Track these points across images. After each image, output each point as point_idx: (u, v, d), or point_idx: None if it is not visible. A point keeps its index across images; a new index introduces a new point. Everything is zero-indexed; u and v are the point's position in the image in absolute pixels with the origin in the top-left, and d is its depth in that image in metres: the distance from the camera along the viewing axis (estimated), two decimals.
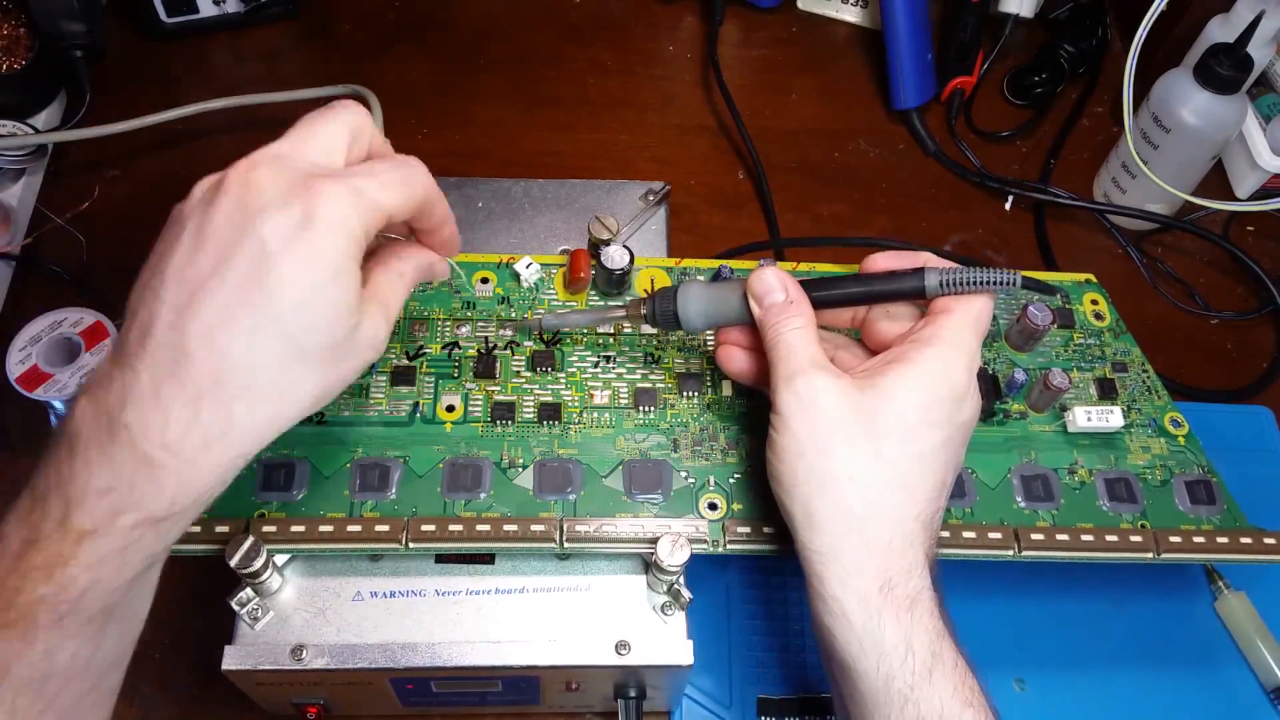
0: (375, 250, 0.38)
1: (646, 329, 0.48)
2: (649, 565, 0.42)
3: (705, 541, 0.42)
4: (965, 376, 0.39)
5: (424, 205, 0.37)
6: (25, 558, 0.31)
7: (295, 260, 0.31)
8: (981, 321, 0.40)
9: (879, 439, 0.38)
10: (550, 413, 0.45)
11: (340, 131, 0.35)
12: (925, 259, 0.42)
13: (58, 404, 0.52)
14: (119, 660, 0.35)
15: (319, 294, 0.32)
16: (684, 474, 0.44)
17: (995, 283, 0.40)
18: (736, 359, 0.44)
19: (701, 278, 0.44)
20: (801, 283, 0.42)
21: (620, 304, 0.46)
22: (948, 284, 0.40)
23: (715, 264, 0.51)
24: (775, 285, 0.41)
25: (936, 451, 0.39)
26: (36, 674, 0.31)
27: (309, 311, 0.32)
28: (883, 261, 0.43)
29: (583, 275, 0.48)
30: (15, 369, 0.51)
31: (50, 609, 0.31)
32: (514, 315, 0.48)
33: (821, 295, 0.42)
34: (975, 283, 0.40)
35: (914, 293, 0.41)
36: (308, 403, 0.34)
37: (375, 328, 0.35)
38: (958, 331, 0.40)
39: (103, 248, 0.61)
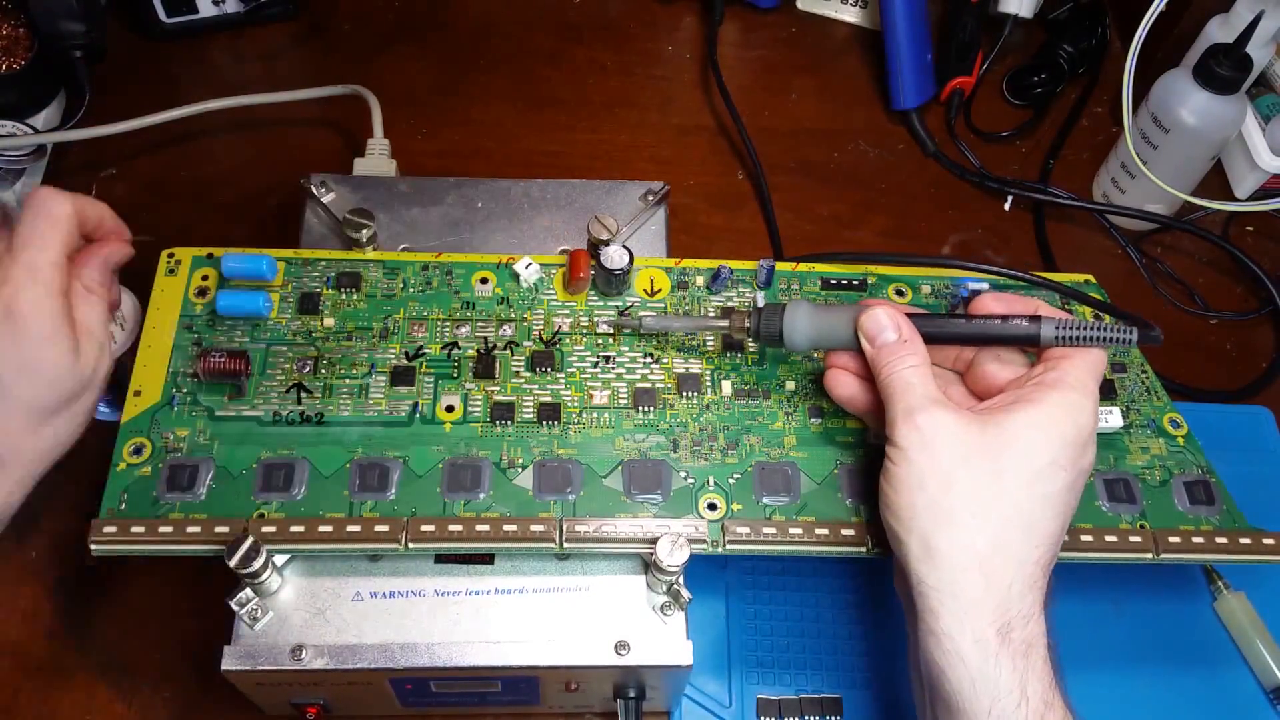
0: (69, 283, 0.42)
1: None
2: (648, 565, 0.42)
3: (705, 542, 0.42)
4: (1090, 421, 0.39)
5: (81, 222, 0.41)
6: None
7: (6, 346, 0.38)
8: (1100, 369, 0.41)
9: (1004, 477, 0.38)
10: (550, 413, 0.45)
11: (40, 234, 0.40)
12: (1037, 306, 0.42)
13: None
14: None
15: (35, 365, 0.38)
16: (683, 474, 0.44)
17: (1110, 340, 0.40)
18: (845, 384, 0.44)
19: (806, 299, 0.45)
20: (911, 318, 0.42)
21: (724, 316, 0.46)
22: (1064, 338, 0.40)
23: (714, 264, 0.51)
24: (887, 324, 0.41)
25: (1061, 495, 0.39)
26: None
27: (35, 377, 0.38)
28: (992, 304, 0.43)
29: (582, 275, 0.48)
30: None
31: None
32: (513, 315, 0.48)
33: (932, 332, 0.42)
34: (1090, 339, 0.40)
35: (1027, 340, 0.41)
36: (57, 446, 0.40)
37: (91, 357, 0.40)
38: (1081, 377, 0.40)
39: None
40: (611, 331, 0.48)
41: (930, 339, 0.42)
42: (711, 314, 0.49)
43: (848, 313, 0.42)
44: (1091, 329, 0.40)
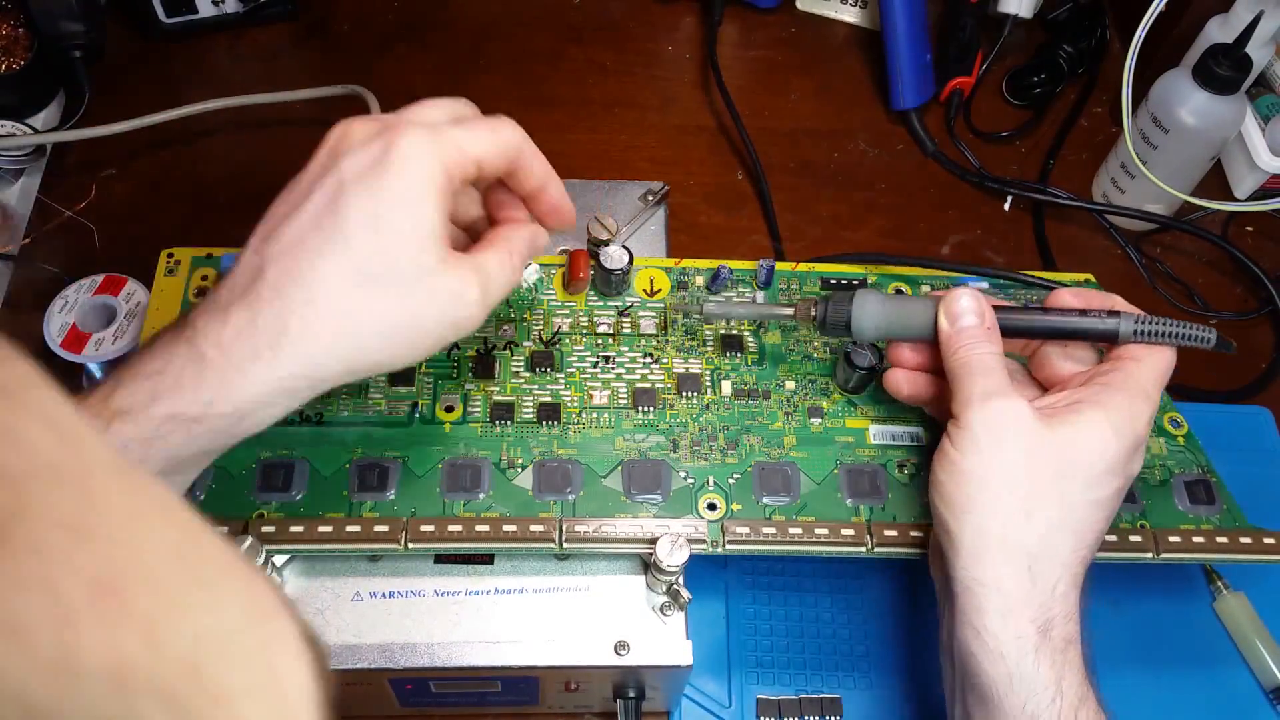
0: (489, 230, 0.39)
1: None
2: (648, 565, 0.42)
3: (704, 542, 0.42)
4: (1147, 428, 0.39)
5: (515, 158, 0.37)
6: None
7: (366, 187, 0.33)
8: (1167, 372, 0.40)
9: (1065, 480, 0.38)
10: (549, 413, 0.45)
11: (444, 105, 0.38)
12: (1116, 302, 0.42)
13: (93, 367, 0.52)
14: None
15: (386, 218, 0.33)
16: (683, 474, 0.44)
17: (1190, 338, 0.40)
18: (910, 381, 0.44)
19: (874, 290, 0.43)
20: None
21: (789, 303, 0.46)
22: (1142, 333, 0.40)
23: (714, 264, 0.51)
24: (973, 307, 0.41)
25: (1111, 499, 0.39)
26: None
27: (375, 234, 0.32)
28: (1070, 299, 0.42)
29: (582, 275, 0.48)
30: (56, 335, 0.51)
31: None
32: (513, 315, 0.48)
33: (1010, 325, 0.41)
34: (1169, 335, 0.40)
35: (1104, 335, 0.41)
36: (371, 340, 0.33)
37: (462, 282, 0.34)
38: (1148, 380, 0.39)
39: (101, 247, 0.61)
40: (613, 333, 0.48)
41: (1008, 332, 0.41)
42: (779, 302, 0.49)
43: (921, 302, 0.42)
44: (1171, 326, 0.40)
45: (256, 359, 0.32)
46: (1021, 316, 0.42)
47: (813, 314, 0.44)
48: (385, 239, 0.33)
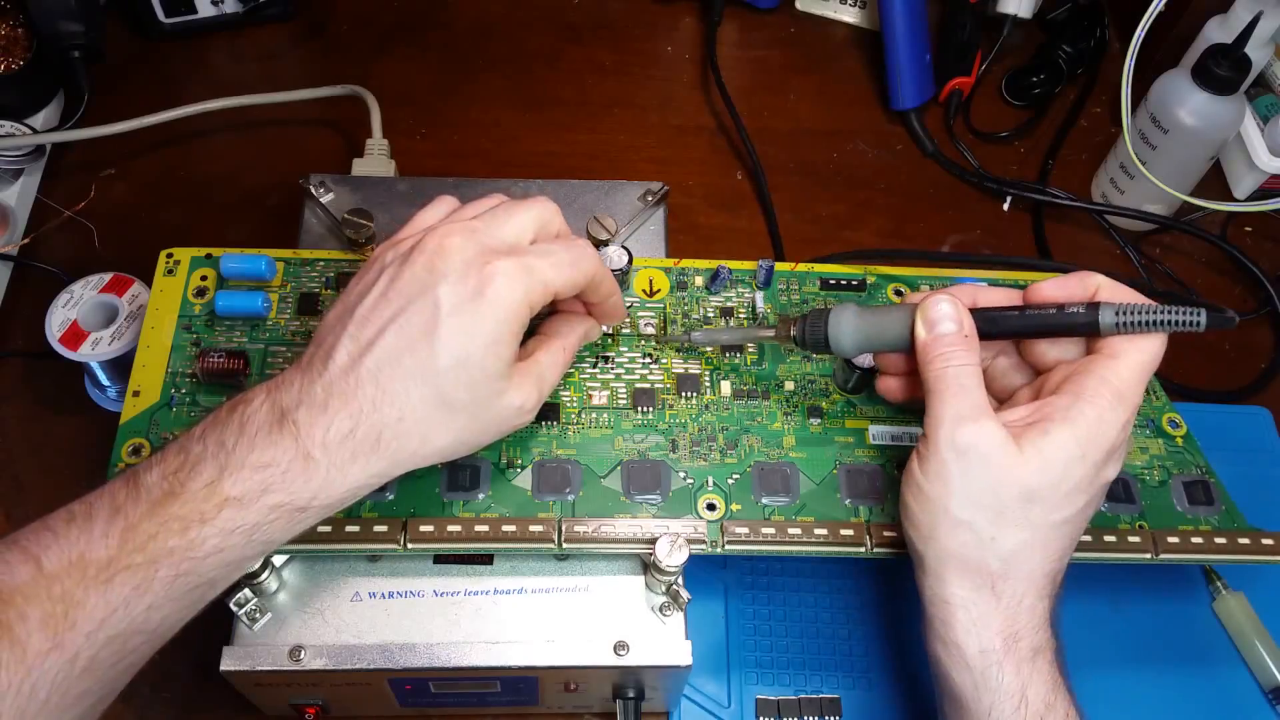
0: (546, 320, 0.43)
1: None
2: (647, 566, 0.42)
3: (704, 542, 0.42)
4: (1123, 434, 0.38)
5: (590, 283, 0.40)
6: (165, 507, 0.33)
7: (460, 326, 0.36)
8: (1151, 369, 0.39)
9: (1031, 505, 0.37)
10: (549, 413, 0.45)
11: (530, 218, 0.39)
12: (1097, 286, 0.40)
13: (95, 366, 0.52)
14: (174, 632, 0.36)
15: (474, 359, 0.36)
16: (682, 474, 0.44)
17: (1177, 323, 0.37)
18: (902, 388, 0.44)
19: (849, 305, 0.42)
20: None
21: (770, 325, 0.46)
22: (1125, 325, 0.38)
23: (713, 264, 0.51)
24: (950, 313, 0.40)
25: (1079, 515, 0.39)
26: (133, 627, 0.33)
27: (463, 371, 0.36)
28: (1049, 290, 0.41)
29: None
30: (56, 330, 0.51)
31: (174, 563, 0.33)
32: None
33: (987, 329, 0.40)
34: (1154, 324, 0.37)
35: (1086, 329, 0.39)
36: (445, 448, 0.38)
37: (524, 397, 0.39)
38: (1124, 383, 0.38)
39: (100, 247, 0.61)
40: (612, 333, 0.48)
41: (987, 335, 0.40)
42: (759, 321, 0.49)
43: (897, 312, 0.41)
44: (1155, 313, 0.37)
45: (354, 461, 0.36)
46: (1000, 316, 0.40)
47: (791, 333, 0.43)
48: (471, 374, 0.36)
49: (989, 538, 0.37)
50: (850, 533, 0.43)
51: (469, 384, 0.36)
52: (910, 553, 0.40)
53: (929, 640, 0.40)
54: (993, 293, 0.42)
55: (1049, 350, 0.41)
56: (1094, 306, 0.38)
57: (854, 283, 0.51)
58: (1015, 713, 0.37)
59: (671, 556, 0.40)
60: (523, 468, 0.44)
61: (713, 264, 0.51)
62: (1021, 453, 0.37)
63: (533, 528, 0.42)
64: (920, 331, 0.40)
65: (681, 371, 0.47)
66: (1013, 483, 0.37)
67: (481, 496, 0.43)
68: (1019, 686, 0.37)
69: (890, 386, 0.45)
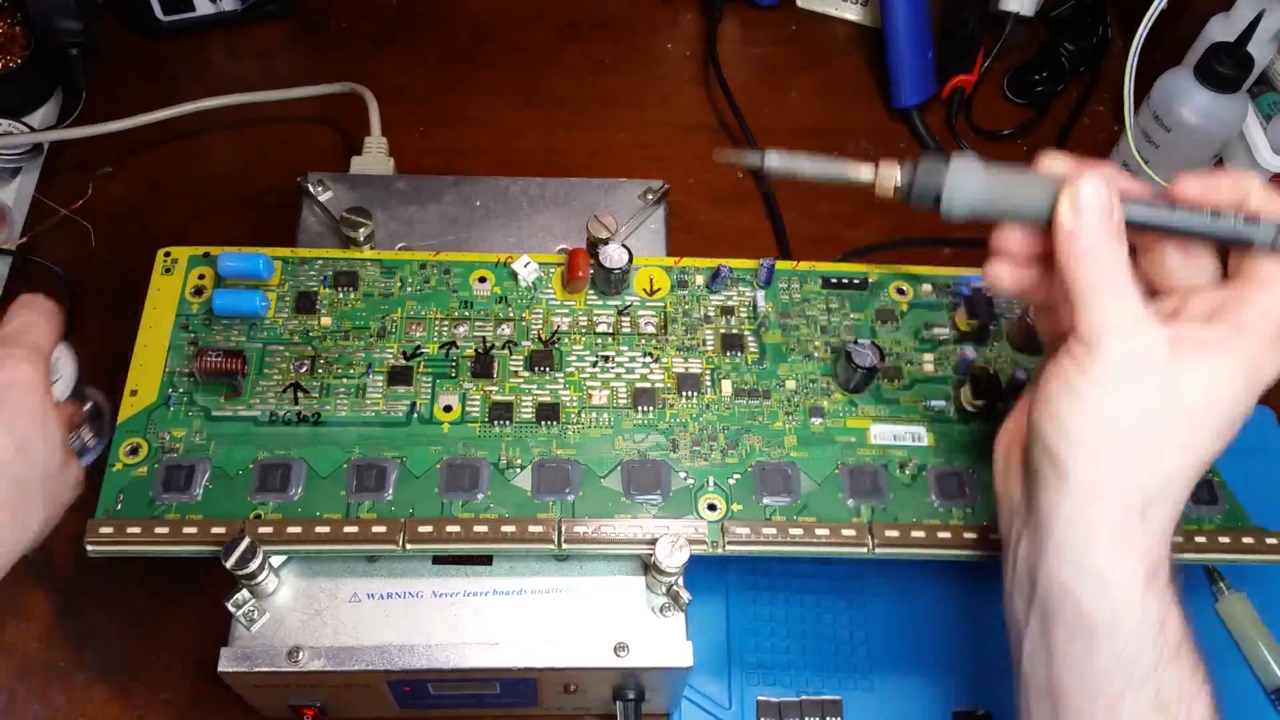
0: None
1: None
2: (648, 566, 0.42)
3: (704, 542, 0.42)
4: (1274, 377, 0.35)
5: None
6: None
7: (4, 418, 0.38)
8: None
9: (1198, 429, 0.34)
10: (548, 413, 0.45)
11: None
12: (1250, 191, 0.35)
13: None
14: None
15: (34, 437, 0.38)
16: (683, 474, 0.44)
17: None
18: (1015, 275, 0.38)
19: (973, 157, 0.36)
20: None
21: (870, 164, 0.38)
22: None
23: (714, 263, 0.50)
24: (1106, 200, 0.34)
25: (1214, 457, 0.35)
26: None
27: (28, 452, 0.38)
28: (1194, 188, 0.36)
29: (581, 274, 0.48)
30: None
31: None
32: (512, 315, 0.48)
33: (1131, 217, 0.35)
34: None
35: (1238, 240, 0.34)
36: (39, 530, 0.40)
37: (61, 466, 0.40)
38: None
39: (99, 245, 0.60)
40: (612, 332, 0.48)
41: (1133, 228, 0.35)
42: (851, 164, 0.40)
43: (1034, 179, 0.35)
44: None
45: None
46: (1144, 211, 0.35)
47: (897, 182, 0.37)
48: (33, 454, 0.39)
49: (1154, 455, 0.34)
50: (852, 533, 0.43)
51: (41, 461, 0.39)
52: (1039, 464, 0.36)
53: (1054, 565, 0.35)
54: (1131, 182, 0.37)
55: (1181, 272, 0.37)
56: (1254, 220, 0.34)
57: (855, 281, 0.51)
58: (1155, 643, 0.34)
59: (672, 557, 0.40)
60: (522, 468, 0.44)
61: (713, 263, 0.50)
62: (1185, 372, 0.34)
63: (532, 528, 0.41)
64: (1066, 215, 0.34)
65: (682, 371, 0.47)
66: (1182, 399, 0.34)
67: (481, 497, 0.43)
68: (1159, 616, 0.34)
69: (1001, 274, 0.38)
